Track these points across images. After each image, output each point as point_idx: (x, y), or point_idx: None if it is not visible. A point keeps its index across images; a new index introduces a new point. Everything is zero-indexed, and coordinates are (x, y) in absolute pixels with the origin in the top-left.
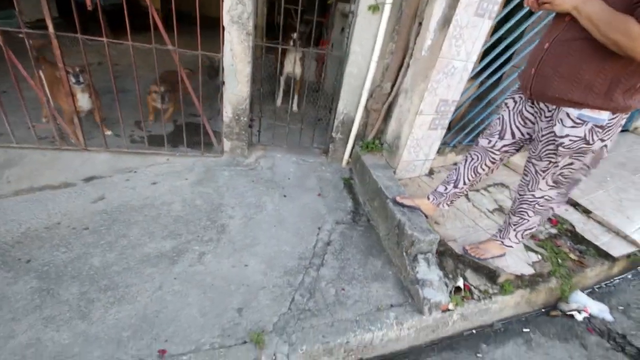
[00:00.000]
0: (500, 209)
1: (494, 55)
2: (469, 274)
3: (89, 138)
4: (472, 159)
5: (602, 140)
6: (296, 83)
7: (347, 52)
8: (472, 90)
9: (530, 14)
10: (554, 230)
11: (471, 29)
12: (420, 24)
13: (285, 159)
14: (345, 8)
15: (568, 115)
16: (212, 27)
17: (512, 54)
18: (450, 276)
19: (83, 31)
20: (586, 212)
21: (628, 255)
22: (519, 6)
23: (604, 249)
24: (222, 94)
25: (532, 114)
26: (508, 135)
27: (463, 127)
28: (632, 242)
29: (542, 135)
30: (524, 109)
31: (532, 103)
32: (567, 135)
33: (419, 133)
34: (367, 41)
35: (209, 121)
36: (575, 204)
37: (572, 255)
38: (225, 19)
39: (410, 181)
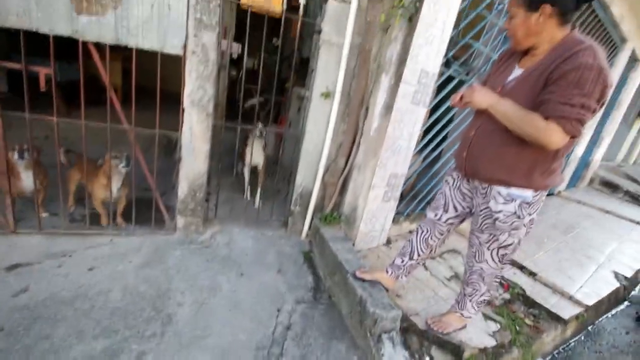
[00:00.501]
0: (456, 276)
1: (433, 134)
2: (434, 351)
3: (21, 219)
4: (422, 231)
5: (530, 215)
6: (259, 173)
7: (303, 131)
8: (417, 164)
9: None
10: (507, 295)
11: (410, 114)
12: (367, 109)
13: (243, 234)
14: (301, 92)
15: (499, 193)
16: (173, 100)
17: (447, 133)
18: (417, 356)
19: (34, 104)
20: (532, 274)
21: (577, 317)
22: (448, 96)
23: (555, 312)
24: (179, 170)
25: (469, 190)
26: (451, 209)
27: (414, 197)
28: (577, 303)
29: (481, 210)
30: (461, 185)
31: (468, 181)
32: (500, 211)
33: (374, 205)
34: (321, 122)
35: (162, 196)
36: (521, 267)
37: (527, 321)
38: (186, 102)
39: (370, 252)
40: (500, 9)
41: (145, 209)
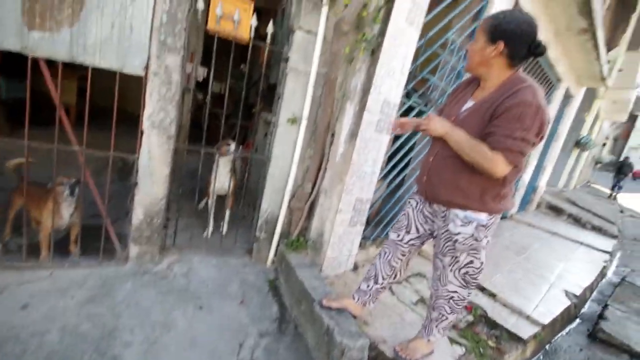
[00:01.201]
0: (422, 300)
1: (396, 160)
2: None
3: None
4: (385, 252)
5: (486, 237)
6: (228, 198)
7: (270, 156)
8: (382, 189)
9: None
10: (470, 317)
11: (374, 141)
12: (332, 135)
13: (204, 263)
14: (268, 117)
15: (457, 215)
16: (131, 121)
17: (410, 159)
18: None
19: None
20: (492, 295)
21: (535, 336)
22: None
23: (514, 332)
24: (134, 195)
25: (430, 213)
26: (413, 230)
27: (379, 222)
28: (534, 322)
29: (442, 233)
30: (424, 208)
31: (429, 204)
32: (459, 233)
33: (340, 230)
34: (287, 147)
35: (114, 224)
36: (482, 288)
37: (490, 343)
38: (146, 124)
39: (337, 278)
40: (453, 48)
41: (93, 237)
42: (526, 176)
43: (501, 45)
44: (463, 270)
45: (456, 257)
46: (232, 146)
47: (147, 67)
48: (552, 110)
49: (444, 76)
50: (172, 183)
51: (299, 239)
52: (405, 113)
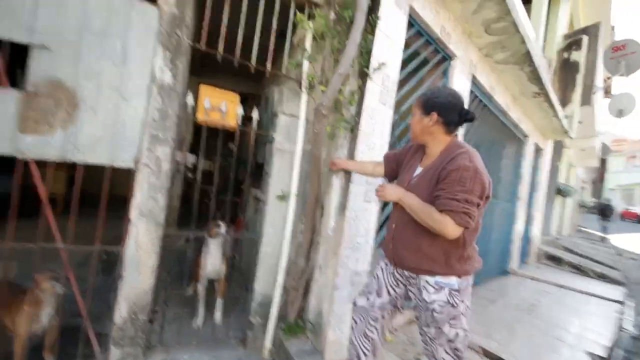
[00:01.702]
0: None
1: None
2: None
3: None
4: (356, 323)
5: (463, 302)
6: (220, 283)
7: (261, 233)
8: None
9: None
10: None
11: (363, 211)
12: (322, 207)
13: None
14: (257, 193)
15: (427, 282)
16: (118, 204)
17: None
18: None
19: None
20: None
21: None
22: None
23: None
24: (118, 289)
25: (401, 277)
26: (384, 294)
27: None
28: None
29: (419, 303)
30: (394, 271)
31: (399, 270)
32: (434, 301)
33: (340, 308)
34: (278, 223)
35: (95, 322)
36: None
37: None
38: (134, 213)
39: None
40: None
41: (70, 340)
42: (518, 227)
43: (434, 115)
44: (453, 346)
45: (440, 329)
46: (223, 228)
47: (137, 160)
48: (526, 163)
49: None
50: (159, 271)
51: (297, 322)
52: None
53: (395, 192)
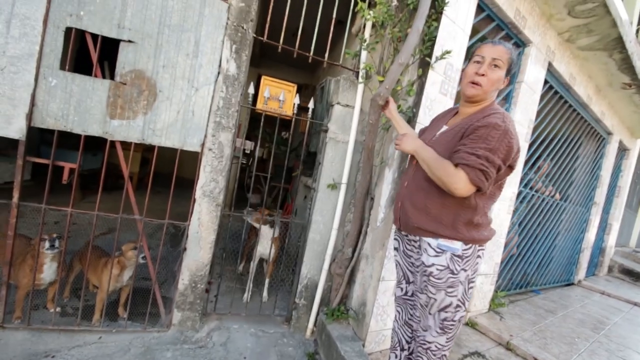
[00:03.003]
0: None
1: None
2: None
3: (9, 312)
4: (398, 313)
5: (465, 270)
6: (269, 265)
7: (310, 220)
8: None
9: None
10: None
11: None
12: (372, 199)
13: (242, 331)
14: (307, 181)
15: (429, 244)
16: (183, 186)
17: None
18: None
19: (52, 192)
20: None
21: None
22: None
23: None
24: (182, 260)
25: (410, 249)
26: (411, 278)
27: None
28: None
29: (417, 267)
30: (405, 247)
31: (406, 238)
32: (433, 265)
33: (384, 300)
34: (327, 212)
35: (160, 287)
36: None
37: None
38: (198, 193)
39: (382, 355)
40: None
41: (140, 300)
42: (590, 235)
43: (507, 80)
44: (441, 316)
45: (432, 296)
46: (270, 219)
47: (203, 144)
48: (607, 164)
49: None
50: (216, 247)
51: (339, 308)
52: None
53: (412, 142)
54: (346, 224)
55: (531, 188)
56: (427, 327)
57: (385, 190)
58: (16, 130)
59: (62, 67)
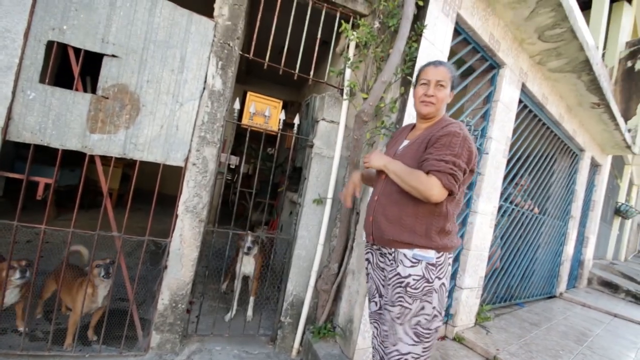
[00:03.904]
0: None
1: None
2: None
3: None
4: (375, 329)
5: (439, 279)
6: (253, 282)
7: (295, 235)
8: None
9: None
10: None
11: None
12: (357, 214)
13: (225, 353)
14: (293, 197)
15: (405, 255)
16: (167, 203)
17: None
18: None
19: (24, 206)
20: None
21: None
22: None
23: None
24: (162, 278)
25: (382, 262)
26: (383, 291)
27: None
28: None
29: (390, 279)
30: (378, 261)
31: (378, 249)
32: (410, 275)
33: None
34: (313, 227)
35: (139, 307)
36: None
37: None
38: (180, 209)
39: None
40: (469, 128)
41: (116, 323)
42: (569, 248)
43: (452, 93)
44: (414, 321)
45: (407, 308)
46: (249, 242)
47: (186, 159)
48: (581, 179)
49: None
50: (198, 264)
51: (326, 326)
52: None
53: (380, 158)
54: (332, 239)
55: (511, 202)
56: (397, 341)
57: None
58: None
59: (42, 81)
